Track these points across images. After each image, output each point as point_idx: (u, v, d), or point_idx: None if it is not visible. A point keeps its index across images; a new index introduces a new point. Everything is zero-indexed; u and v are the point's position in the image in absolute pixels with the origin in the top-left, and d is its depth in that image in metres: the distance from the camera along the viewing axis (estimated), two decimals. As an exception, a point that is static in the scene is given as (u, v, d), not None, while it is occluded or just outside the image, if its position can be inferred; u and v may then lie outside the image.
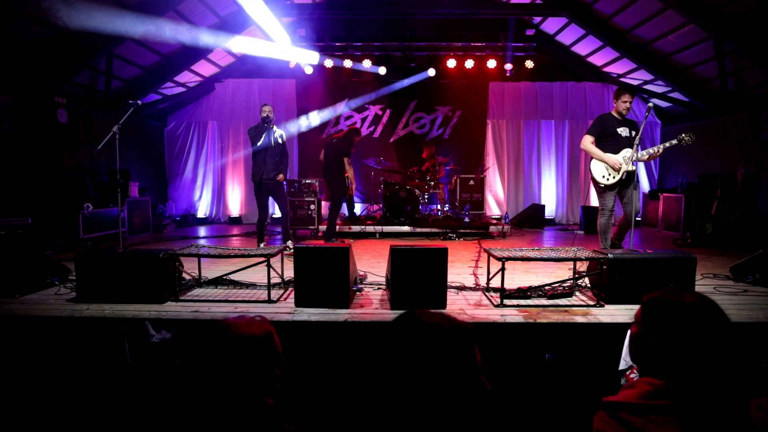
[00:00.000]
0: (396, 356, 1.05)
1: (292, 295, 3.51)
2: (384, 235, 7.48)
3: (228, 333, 1.29)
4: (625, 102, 4.58)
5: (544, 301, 3.60)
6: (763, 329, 3.11)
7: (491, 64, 8.89)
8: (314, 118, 9.68)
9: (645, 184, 9.80)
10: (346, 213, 8.05)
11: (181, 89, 9.42)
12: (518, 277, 4.51)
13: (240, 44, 7.96)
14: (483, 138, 9.84)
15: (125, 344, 3.17)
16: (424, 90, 9.59)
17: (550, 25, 8.90)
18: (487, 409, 1.03)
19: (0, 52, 5.75)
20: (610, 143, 4.60)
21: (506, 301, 3.49)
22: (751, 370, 2.60)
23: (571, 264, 4.26)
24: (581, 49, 9.01)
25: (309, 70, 9.06)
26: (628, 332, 1.49)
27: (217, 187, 10.08)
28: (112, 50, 6.94)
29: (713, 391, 1.06)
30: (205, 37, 7.17)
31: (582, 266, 4.11)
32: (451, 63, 8.91)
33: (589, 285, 3.93)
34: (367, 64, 8.93)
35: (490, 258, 3.80)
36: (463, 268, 5.03)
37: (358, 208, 9.34)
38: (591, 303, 3.53)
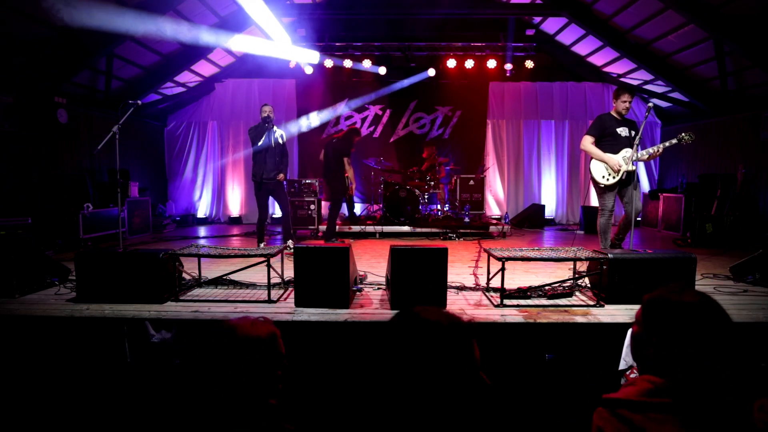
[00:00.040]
0: (396, 353, 1.04)
1: (292, 295, 3.51)
2: (384, 235, 7.48)
3: (233, 334, 1.28)
4: (625, 102, 4.58)
5: (544, 301, 3.60)
6: (763, 329, 3.11)
7: (491, 64, 8.89)
8: (314, 118, 9.67)
9: (645, 184, 9.79)
10: (346, 213, 8.05)
11: (181, 89, 9.42)
12: (518, 277, 4.51)
13: (240, 43, 7.95)
14: (483, 138, 9.83)
15: (125, 344, 3.17)
16: (424, 90, 9.58)
17: (550, 25, 8.90)
18: (488, 406, 1.03)
19: (0, 52, 5.75)
20: (609, 143, 4.60)
21: (506, 301, 3.49)
22: (751, 370, 2.60)
23: (571, 264, 4.26)
24: (581, 49, 9.01)
25: (309, 70, 9.06)
26: (629, 332, 1.49)
27: (217, 187, 10.08)
28: (112, 50, 6.95)
29: (713, 390, 1.06)
30: (205, 37, 7.16)
31: (582, 266, 4.11)
32: (451, 63, 8.91)
33: (589, 285, 3.93)
34: (367, 64, 8.93)
35: (490, 258, 3.80)
36: (463, 268, 5.03)
37: (358, 208, 9.33)
38: (591, 303, 3.53)
